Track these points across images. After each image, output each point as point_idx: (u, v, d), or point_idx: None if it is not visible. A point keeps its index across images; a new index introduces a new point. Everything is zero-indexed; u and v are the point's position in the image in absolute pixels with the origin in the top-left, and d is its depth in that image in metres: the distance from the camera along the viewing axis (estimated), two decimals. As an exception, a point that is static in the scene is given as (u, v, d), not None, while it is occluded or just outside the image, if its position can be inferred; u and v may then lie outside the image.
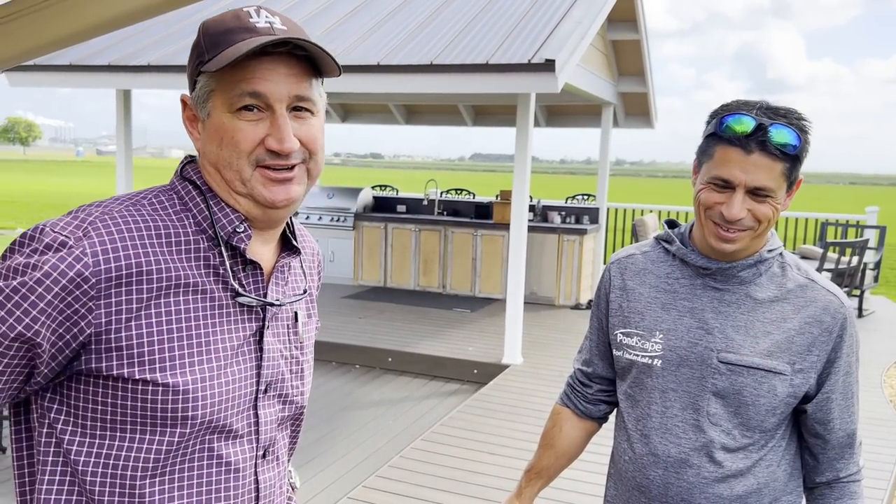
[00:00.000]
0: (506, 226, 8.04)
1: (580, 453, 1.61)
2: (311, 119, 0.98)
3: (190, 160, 1.02)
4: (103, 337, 0.89)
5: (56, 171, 63.68)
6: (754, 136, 1.23)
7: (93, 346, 0.89)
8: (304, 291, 1.09)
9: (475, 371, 5.86)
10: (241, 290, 0.98)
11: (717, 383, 1.33)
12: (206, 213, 0.97)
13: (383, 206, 9.39)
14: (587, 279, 8.31)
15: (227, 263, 0.97)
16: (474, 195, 10.27)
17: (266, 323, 1.01)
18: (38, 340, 0.87)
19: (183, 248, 0.94)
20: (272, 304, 1.01)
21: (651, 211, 10.01)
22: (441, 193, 9.61)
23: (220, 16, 0.96)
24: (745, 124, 1.24)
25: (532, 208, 8.65)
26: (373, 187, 10.05)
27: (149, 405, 0.91)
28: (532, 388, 5.30)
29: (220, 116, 0.94)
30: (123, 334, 0.89)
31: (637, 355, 1.40)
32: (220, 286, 0.97)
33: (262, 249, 1.03)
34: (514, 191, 5.80)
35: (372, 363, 6.20)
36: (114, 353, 0.89)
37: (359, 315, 7.34)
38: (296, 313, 1.08)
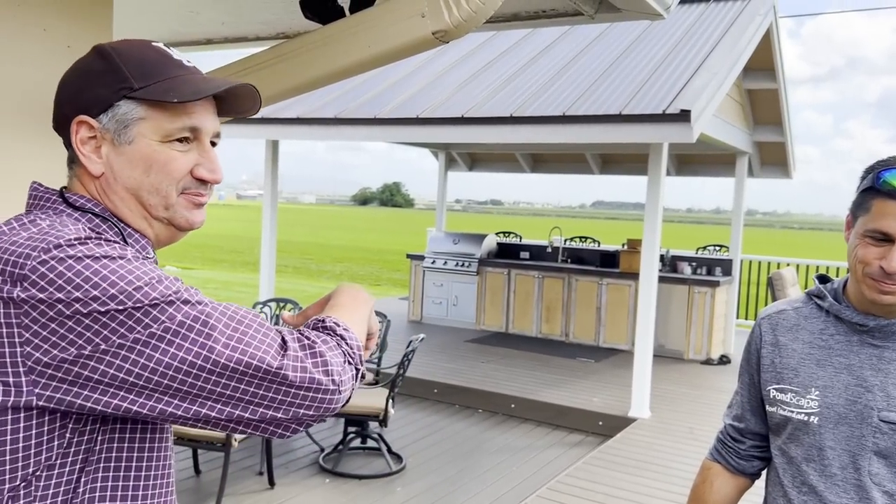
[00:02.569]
0: (633, 275, 7.92)
1: None
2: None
3: (62, 189, 1.00)
4: None
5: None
6: None
7: None
8: None
9: (600, 423, 5.77)
10: None
11: (878, 443, 1.30)
12: (121, 241, 0.96)
13: (507, 253, 9.51)
14: (719, 333, 7.99)
15: None
16: (599, 243, 10.19)
17: None
18: None
19: None
20: None
21: (788, 264, 9.52)
22: (565, 241, 9.61)
23: (128, 43, 0.98)
24: None
25: (661, 258, 8.48)
26: (497, 234, 10.20)
27: None
28: (661, 443, 5.15)
29: (149, 144, 0.96)
30: None
31: (792, 412, 1.39)
32: None
33: None
34: (645, 240, 5.74)
35: (495, 408, 6.24)
36: None
37: (482, 360, 7.43)
38: None
